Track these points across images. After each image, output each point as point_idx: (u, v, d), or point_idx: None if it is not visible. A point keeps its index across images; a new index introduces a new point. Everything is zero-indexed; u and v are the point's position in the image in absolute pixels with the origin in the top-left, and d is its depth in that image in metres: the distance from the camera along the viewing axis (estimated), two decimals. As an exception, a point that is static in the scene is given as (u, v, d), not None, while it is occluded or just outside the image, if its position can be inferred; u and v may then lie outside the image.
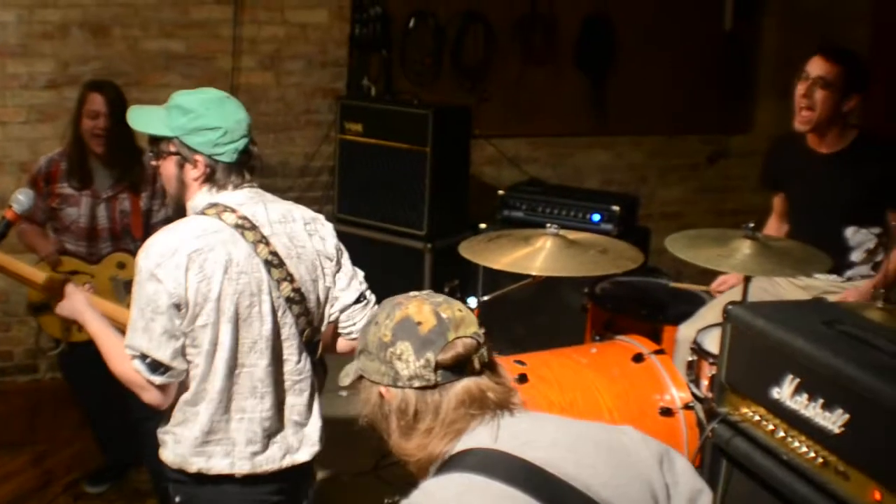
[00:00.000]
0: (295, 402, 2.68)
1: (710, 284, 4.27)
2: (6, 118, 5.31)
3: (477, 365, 1.87)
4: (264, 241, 2.58)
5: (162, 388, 2.52)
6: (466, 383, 1.85)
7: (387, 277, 4.10)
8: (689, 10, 6.73)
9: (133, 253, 4.11)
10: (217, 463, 2.60)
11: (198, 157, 2.59)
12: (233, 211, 2.58)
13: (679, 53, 6.71)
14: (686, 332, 3.82)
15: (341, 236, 2.82)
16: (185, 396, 2.57)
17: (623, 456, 1.90)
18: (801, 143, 3.98)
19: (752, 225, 3.46)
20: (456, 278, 5.18)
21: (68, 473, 4.55)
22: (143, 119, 2.69)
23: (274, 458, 2.65)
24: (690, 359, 3.57)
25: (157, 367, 2.48)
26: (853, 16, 6.44)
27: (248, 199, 2.63)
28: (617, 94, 6.64)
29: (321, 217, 2.81)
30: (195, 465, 2.60)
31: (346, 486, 4.40)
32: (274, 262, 2.58)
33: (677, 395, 3.57)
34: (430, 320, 1.86)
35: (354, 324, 2.78)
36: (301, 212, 2.75)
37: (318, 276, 2.69)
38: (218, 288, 2.49)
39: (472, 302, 3.94)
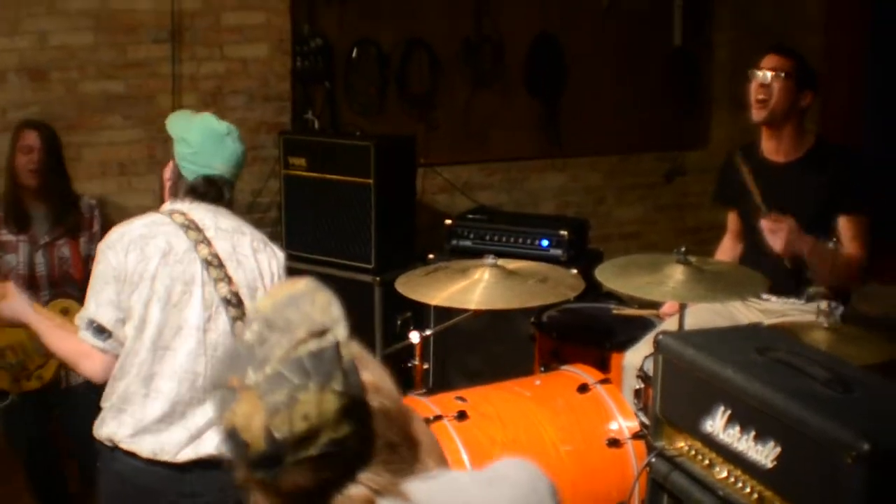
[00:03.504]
0: None
1: (658, 308, 4.18)
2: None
3: (333, 476, 1.47)
4: (206, 241, 2.82)
5: (102, 356, 2.76)
6: None
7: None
8: (638, 27, 6.69)
9: (76, 298, 4.00)
10: (123, 431, 2.75)
11: (171, 162, 2.92)
12: (183, 214, 2.85)
13: (629, 71, 6.67)
14: (632, 358, 3.72)
15: (291, 272, 2.92)
16: (114, 372, 2.78)
17: None
18: (757, 154, 3.89)
19: (683, 249, 3.37)
20: (408, 310, 5.13)
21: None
22: (180, 122, 2.97)
23: (180, 442, 2.76)
24: (637, 386, 3.48)
25: (101, 331, 2.74)
26: (805, 27, 6.41)
27: (199, 208, 2.88)
28: (569, 114, 6.55)
29: (276, 247, 3.03)
30: (108, 429, 2.77)
31: None
32: (213, 263, 2.80)
33: (625, 424, 3.47)
34: (258, 442, 1.41)
35: None
36: (255, 233, 2.97)
37: (257, 287, 2.87)
38: (154, 269, 2.75)
39: (415, 337, 3.84)
